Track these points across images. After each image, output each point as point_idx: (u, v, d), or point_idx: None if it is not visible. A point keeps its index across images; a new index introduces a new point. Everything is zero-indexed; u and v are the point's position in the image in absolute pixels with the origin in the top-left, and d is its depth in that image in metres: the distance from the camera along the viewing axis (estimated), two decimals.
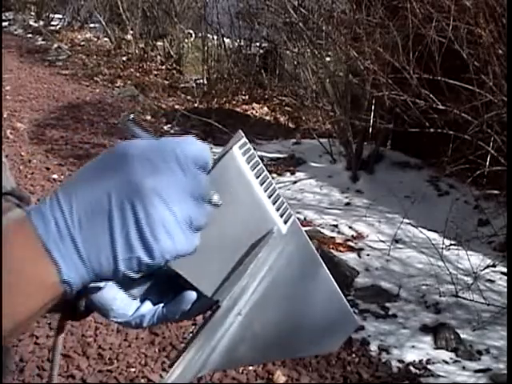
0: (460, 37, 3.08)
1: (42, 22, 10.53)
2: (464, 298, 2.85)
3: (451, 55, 3.13)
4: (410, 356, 2.52)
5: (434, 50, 3.18)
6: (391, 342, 2.61)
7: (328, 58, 4.58)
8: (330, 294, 0.61)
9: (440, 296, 2.90)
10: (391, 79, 3.50)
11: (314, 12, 4.82)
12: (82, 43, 9.17)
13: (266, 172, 0.56)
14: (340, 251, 3.34)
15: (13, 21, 10.99)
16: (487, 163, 3.35)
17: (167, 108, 6.07)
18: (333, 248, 3.36)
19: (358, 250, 3.36)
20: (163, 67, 7.71)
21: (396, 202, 3.59)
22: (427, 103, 3.32)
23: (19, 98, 6.26)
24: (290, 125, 5.77)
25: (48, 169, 4.47)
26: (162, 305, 0.58)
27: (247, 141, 0.55)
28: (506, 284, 3.00)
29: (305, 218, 3.74)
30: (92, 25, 10.06)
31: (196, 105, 6.23)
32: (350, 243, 3.46)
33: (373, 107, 4.17)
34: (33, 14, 11.22)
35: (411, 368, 2.46)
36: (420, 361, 2.50)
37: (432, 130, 3.39)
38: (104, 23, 8.76)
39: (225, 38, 6.79)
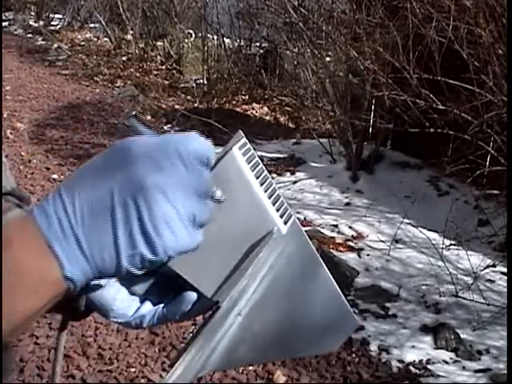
0: (460, 37, 3.08)
1: (42, 22, 10.53)
2: (464, 298, 2.85)
3: (451, 55, 3.13)
4: (410, 356, 2.52)
5: (434, 50, 3.18)
6: (391, 342, 2.61)
7: (328, 58, 4.58)
8: (330, 293, 0.61)
9: (440, 296, 2.90)
10: (391, 79, 3.50)
11: (313, 12, 4.82)
12: (82, 43, 9.17)
13: (266, 172, 0.55)
14: (340, 251, 3.34)
15: (13, 21, 10.99)
16: (487, 163, 3.35)
17: (167, 108, 6.07)
18: (333, 248, 3.36)
19: (358, 250, 3.36)
20: (163, 67, 7.71)
21: (396, 202, 3.59)
22: (427, 103, 3.32)
23: (19, 98, 6.26)
24: (290, 125, 5.77)
25: (48, 169, 4.47)
26: (162, 305, 0.58)
27: (247, 141, 0.55)
28: (506, 284, 3.00)
29: (305, 218, 3.74)
30: (92, 25, 10.06)
31: (196, 105, 6.22)
32: (349, 243, 3.46)
33: (373, 107, 4.17)
34: (33, 13, 11.22)
35: (411, 368, 2.46)
36: (420, 361, 2.50)
37: (432, 130, 3.39)
38: (104, 23, 8.76)
39: (225, 38, 6.79)
